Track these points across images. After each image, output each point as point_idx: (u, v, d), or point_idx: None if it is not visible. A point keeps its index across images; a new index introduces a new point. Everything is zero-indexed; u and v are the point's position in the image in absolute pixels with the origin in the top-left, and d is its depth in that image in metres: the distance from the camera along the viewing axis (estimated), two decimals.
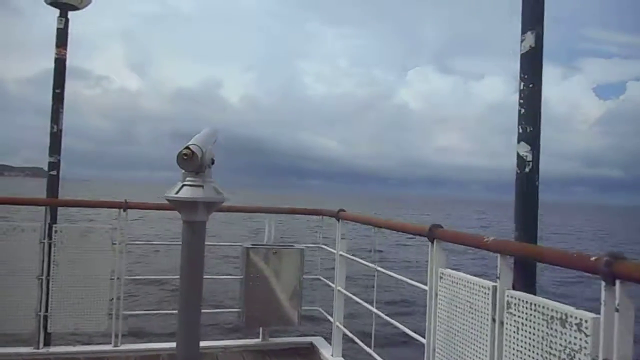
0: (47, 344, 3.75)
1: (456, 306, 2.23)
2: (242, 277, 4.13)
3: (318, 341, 4.23)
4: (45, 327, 3.68)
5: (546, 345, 1.71)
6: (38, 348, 3.70)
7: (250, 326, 4.18)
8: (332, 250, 3.97)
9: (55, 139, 4.05)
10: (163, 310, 5.66)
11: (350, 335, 3.59)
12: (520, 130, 2.08)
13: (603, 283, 1.46)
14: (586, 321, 1.54)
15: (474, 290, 2.11)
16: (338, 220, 3.87)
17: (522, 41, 2.09)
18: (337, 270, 3.86)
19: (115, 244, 3.81)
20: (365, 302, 3.49)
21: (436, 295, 2.41)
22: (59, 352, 3.77)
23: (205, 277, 2.17)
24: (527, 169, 2.05)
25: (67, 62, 4.14)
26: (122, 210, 3.83)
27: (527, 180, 2.06)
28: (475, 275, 2.17)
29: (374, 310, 3.28)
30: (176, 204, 2.05)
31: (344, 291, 3.81)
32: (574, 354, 1.58)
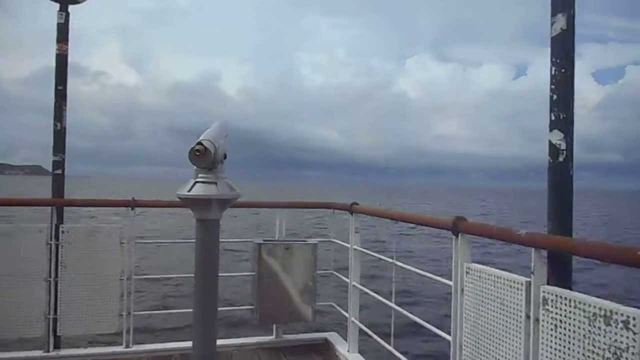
0: (57, 346, 3.70)
1: (485, 302, 2.17)
2: (254, 273, 4.06)
3: (333, 337, 4.17)
4: (54, 330, 3.62)
5: (588, 344, 1.64)
6: (48, 351, 3.64)
7: (263, 323, 4.11)
8: (345, 244, 3.90)
9: (59, 137, 3.95)
10: (176, 310, 5.59)
11: (369, 331, 3.52)
12: (553, 118, 1.97)
13: None
14: (634, 318, 1.48)
15: (505, 286, 2.05)
16: (351, 214, 3.80)
17: (552, 24, 1.97)
18: (352, 264, 3.79)
19: (123, 242, 3.74)
20: (381, 296, 3.42)
21: (462, 290, 2.35)
22: (70, 354, 3.71)
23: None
24: (560, 158, 1.95)
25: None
26: (130, 208, 3.76)
27: (561, 169, 1.96)
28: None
29: (393, 305, 3.21)
30: (189, 202, 1.97)
31: (359, 286, 3.74)
32: (621, 353, 1.52)
